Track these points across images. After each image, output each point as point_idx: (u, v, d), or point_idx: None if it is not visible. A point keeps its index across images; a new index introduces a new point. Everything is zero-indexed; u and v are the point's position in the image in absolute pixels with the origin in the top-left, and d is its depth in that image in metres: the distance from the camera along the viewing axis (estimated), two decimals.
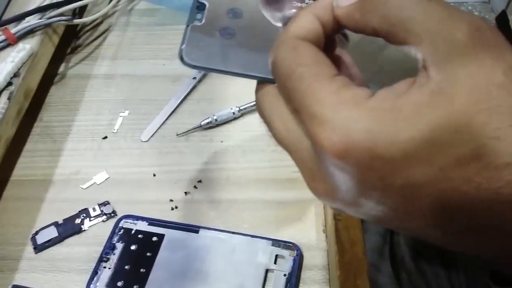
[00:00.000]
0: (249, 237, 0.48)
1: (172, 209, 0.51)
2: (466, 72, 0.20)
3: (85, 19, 0.65)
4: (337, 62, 0.27)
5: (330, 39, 0.26)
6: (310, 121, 0.22)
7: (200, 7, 0.28)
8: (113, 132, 0.59)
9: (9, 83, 0.54)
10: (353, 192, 0.22)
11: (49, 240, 0.50)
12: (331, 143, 0.21)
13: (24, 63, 0.55)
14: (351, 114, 0.21)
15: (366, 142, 0.20)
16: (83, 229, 0.50)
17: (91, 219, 0.51)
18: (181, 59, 0.26)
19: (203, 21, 0.27)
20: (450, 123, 0.20)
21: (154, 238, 0.48)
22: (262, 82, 0.26)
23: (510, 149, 0.19)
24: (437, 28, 0.21)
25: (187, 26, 0.27)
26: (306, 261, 0.47)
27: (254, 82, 0.62)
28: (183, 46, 0.27)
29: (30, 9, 0.59)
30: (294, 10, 0.28)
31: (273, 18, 0.28)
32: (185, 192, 0.53)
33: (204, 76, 0.64)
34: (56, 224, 0.51)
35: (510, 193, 0.19)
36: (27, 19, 0.58)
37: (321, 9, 0.25)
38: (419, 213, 0.21)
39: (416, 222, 0.22)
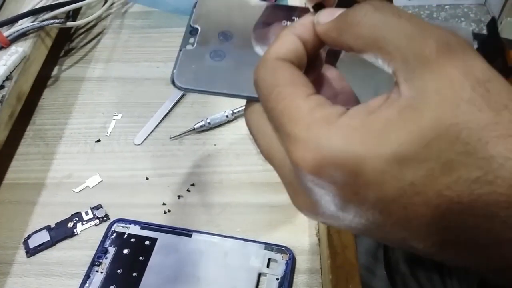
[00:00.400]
0: (242, 241, 0.48)
1: (165, 212, 0.51)
2: (434, 88, 0.20)
3: (79, 22, 0.65)
4: (321, 78, 0.27)
5: (316, 55, 0.27)
6: (287, 139, 0.23)
7: (193, 32, 0.29)
8: (106, 135, 0.59)
9: (1, 86, 0.53)
10: (331, 206, 0.23)
11: (42, 244, 0.49)
12: (305, 161, 0.22)
13: (16, 66, 0.55)
14: (322, 133, 0.22)
15: (337, 159, 0.21)
16: (75, 233, 0.50)
17: (84, 223, 0.51)
18: (173, 83, 0.27)
19: (195, 45, 0.29)
20: (419, 139, 0.20)
21: (147, 242, 0.48)
22: (250, 101, 0.27)
23: (479, 163, 0.19)
24: (406, 45, 0.22)
25: (180, 50, 0.28)
26: (298, 265, 0.47)
27: None
28: (175, 71, 0.28)
29: (23, 12, 0.59)
30: None
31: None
32: (178, 196, 0.53)
33: None
34: (48, 228, 0.50)
35: (481, 206, 0.20)
36: (20, 22, 0.58)
37: (301, 28, 0.26)
38: (398, 226, 0.22)
39: (397, 235, 0.22)
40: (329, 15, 0.25)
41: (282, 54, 0.25)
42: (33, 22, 0.59)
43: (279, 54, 0.25)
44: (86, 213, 0.51)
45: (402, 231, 0.22)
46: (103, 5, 0.70)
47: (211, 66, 0.28)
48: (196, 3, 0.30)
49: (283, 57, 0.25)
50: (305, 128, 0.22)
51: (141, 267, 0.47)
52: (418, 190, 0.20)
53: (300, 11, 0.30)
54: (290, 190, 0.25)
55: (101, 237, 0.49)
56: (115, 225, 0.50)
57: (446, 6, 2.14)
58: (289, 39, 0.26)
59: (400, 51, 0.22)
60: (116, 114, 0.61)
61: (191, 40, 0.29)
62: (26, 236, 0.50)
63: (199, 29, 0.29)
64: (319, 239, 0.48)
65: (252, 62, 0.26)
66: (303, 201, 0.24)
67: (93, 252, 0.48)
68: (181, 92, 0.61)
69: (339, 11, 0.25)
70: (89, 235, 0.50)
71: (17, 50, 0.56)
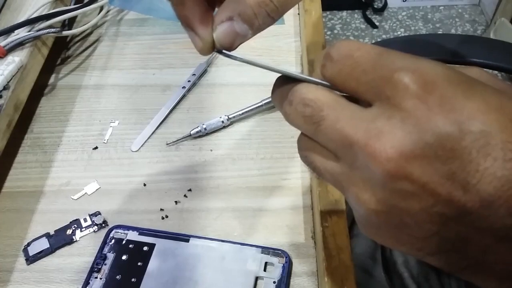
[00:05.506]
0: (239, 245, 0.48)
1: (163, 218, 0.52)
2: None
3: (75, 31, 0.66)
4: None
5: None
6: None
7: None
8: (104, 142, 0.59)
9: None
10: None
11: (41, 252, 0.50)
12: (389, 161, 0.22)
13: (13, 75, 0.56)
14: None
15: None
16: (74, 240, 0.51)
17: (82, 229, 0.51)
18: (222, 52, 0.29)
19: None
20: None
21: (145, 248, 0.49)
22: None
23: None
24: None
25: None
26: (295, 268, 0.47)
27: (243, 91, 0.63)
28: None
29: (19, 21, 0.60)
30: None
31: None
32: (175, 201, 0.53)
33: (193, 85, 0.64)
34: (47, 235, 0.51)
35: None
36: (16, 31, 0.59)
37: None
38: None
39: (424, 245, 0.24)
40: None
41: None
42: (29, 31, 0.60)
43: None
44: (85, 220, 0.52)
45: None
46: (99, 13, 0.71)
47: None
48: None
49: None
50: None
51: (140, 273, 0.47)
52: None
53: None
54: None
55: (99, 244, 0.49)
56: (113, 232, 0.50)
57: (441, 7, 2.15)
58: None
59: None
60: (113, 121, 0.61)
61: None
62: (26, 243, 0.50)
63: None
64: (314, 242, 0.49)
65: None
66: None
67: (92, 259, 0.48)
68: (178, 98, 0.62)
69: None
70: (88, 242, 0.51)
71: (14, 60, 0.57)
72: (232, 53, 0.29)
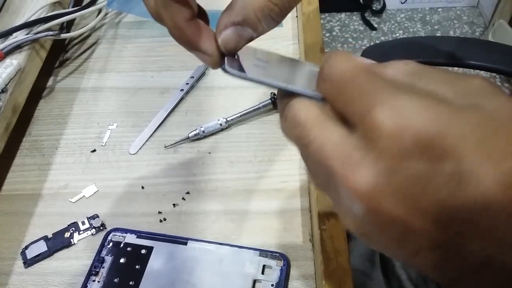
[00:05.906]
0: (237, 248, 0.48)
1: (161, 221, 0.52)
2: None
3: (73, 33, 0.66)
4: None
5: None
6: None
7: None
8: (102, 145, 0.59)
9: None
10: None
11: (39, 255, 0.50)
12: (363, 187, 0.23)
13: (11, 78, 0.56)
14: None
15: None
16: (72, 243, 0.51)
17: (80, 232, 0.51)
18: (223, 69, 0.29)
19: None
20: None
21: (143, 251, 0.49)
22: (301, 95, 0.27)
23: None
24: None
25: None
26: (293, 271, 0.47)
27: (241, 94, 0.63)
28: (226, 59, 0.30)
29: (17, 24, 0.60)
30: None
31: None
32: (173, 204, 0.53)
33: (191, 88, 0.64)
34: (45, 238, 0.51)
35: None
36: (14, 34, 0.59)
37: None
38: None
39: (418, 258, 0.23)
40: None
41: None
42: (27, 34, 0.60)
43: None
44: (83, 223, 0.52)
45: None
46: (97, 15, 0.71)
47: (255, 64, 0.30)
48: None
49: None
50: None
51: (138, 276, 0.47)
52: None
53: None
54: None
55: (97, 247, 0.49)
56: (111, 235, 0.50)
57: (439, 9, 2.16)
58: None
59: None
60: (111, 124, 0.61)
61: None
62: (24, 246, 0.50)
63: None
64: (312, 245, 0.49)
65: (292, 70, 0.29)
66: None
67: (90, 262, 0.48)
68: (176, 101, 0.62)
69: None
70: (86, 245, 0.51)
71: (12, 63, 0.57)
72: (240, 72, 0.29)
